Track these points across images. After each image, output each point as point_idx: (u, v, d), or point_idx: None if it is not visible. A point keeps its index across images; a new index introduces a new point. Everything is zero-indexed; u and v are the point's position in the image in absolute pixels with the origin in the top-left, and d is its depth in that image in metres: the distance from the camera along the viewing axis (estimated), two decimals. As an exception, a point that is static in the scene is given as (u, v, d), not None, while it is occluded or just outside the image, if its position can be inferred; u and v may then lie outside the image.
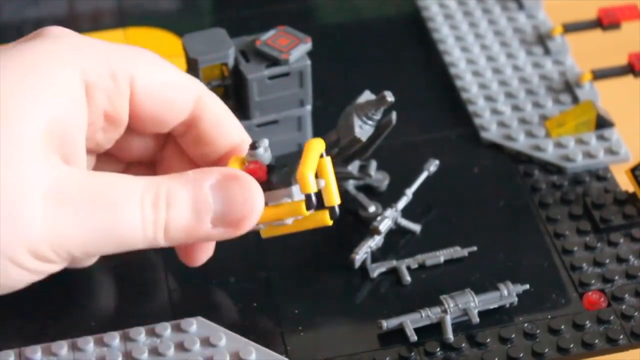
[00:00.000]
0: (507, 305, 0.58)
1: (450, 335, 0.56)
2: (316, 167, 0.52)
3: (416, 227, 0.62)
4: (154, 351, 0.55)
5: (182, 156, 0.57)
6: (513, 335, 0.56)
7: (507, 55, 0.74)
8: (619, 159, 0.66)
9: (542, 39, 0.74)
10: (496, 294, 0.58)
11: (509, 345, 0.56)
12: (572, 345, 0.56)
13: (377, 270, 0.60)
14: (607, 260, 0.60)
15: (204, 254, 0.57)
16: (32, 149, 0.48)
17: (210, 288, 0.60)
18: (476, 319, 0.57)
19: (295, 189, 0.53)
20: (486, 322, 0.57)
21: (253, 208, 0.52)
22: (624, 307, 0.58)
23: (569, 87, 0.71)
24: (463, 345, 0.56)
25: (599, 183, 0.65)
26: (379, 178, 0.65)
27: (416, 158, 0.65)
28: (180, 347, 0.56)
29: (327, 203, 0.53)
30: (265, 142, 0.54)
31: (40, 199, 0.47)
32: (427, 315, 0.57)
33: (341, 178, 0.62)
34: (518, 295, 0.58)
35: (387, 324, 0.56)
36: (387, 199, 0.63)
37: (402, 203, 0.62)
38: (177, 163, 0.57)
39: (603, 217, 0.62)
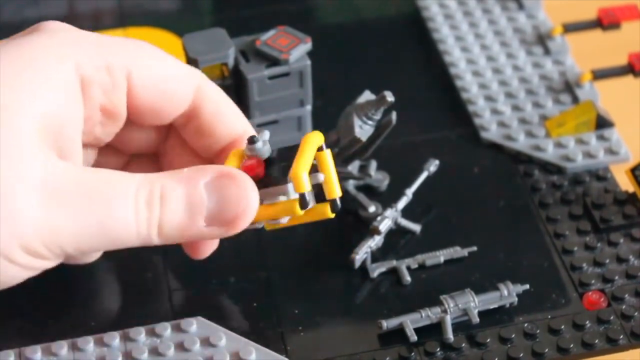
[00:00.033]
0: (507, 305, 0.58)
1: (450, 335, 0.56)
2: (311, 162, 0.52)
3: (416, 227, 0.62)
4: (154, 351, 0.55)
5: (185, 148, 0.57)
6: (513, 335, 0.56)
7: (507, 55, 0.74)
8: (619, 159, 0.66)
9: (542, 39, 0.74)
10: (496, 294, 0.58)
11: (509, 345, 0.56)
12: (572, 345, 0.56)
13: (377, 270, 0.60)
14: (607, 260, 0.60)
15: (208, 247, 0.57)
16: (28, 143, 0.47)
17: (210, 288, 0.60)
18: (476, 319, 0.57)
19: (291, 186, 0.52)
20: (486, 322, 0.57)
21: (247, 207, 0.51)
22: (624, 307, 0.58)
23: (569, 87, 0.70)
24: (463, 345, 0.56)
25: (599, 183, 0.65)
26: (379, 178, 0.65)
27: (416, 158, 0.65)
28: (180, 347, 0.55)
29: (328, 196, 0.52)
30: (265, 135, 0.53)
31: (33, 193, 0.47)
32: (427, 315, 0.57)
33: (341, 178, 0.62)
34: (518, 295, 0.58)
35: (387, 324, 0.56)
36: (387, 199, 0.63)
37: (402, 203, 0.62)
38: (180, 155, 0.57)
39: (603, 217, 0.62)
